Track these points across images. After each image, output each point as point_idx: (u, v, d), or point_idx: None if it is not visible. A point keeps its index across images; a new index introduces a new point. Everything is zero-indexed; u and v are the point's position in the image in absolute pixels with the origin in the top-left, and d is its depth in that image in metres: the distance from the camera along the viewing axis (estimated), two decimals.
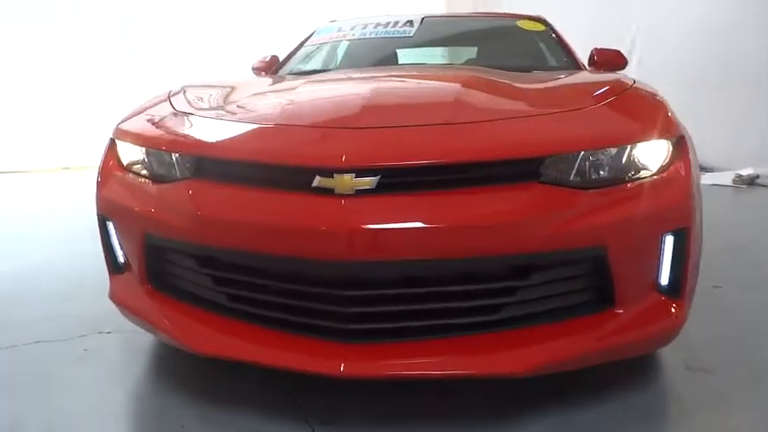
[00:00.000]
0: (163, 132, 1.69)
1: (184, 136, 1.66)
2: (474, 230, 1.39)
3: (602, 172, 1.51)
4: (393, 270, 1.43)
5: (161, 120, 1.76)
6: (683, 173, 1.57)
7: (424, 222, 1.39)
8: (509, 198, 1.43)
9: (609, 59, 2.97)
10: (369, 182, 1.40)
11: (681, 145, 1.60)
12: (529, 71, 2.44)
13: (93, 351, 2.05)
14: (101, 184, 1.80)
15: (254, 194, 1.50)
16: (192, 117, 1.75)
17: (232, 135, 1.60)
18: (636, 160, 1.53)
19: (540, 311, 1.53)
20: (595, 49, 2.98)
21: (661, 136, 1.57)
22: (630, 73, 2.37)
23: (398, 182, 1.43)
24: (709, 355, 2.00)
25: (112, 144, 1.84)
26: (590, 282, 1.53)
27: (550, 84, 2.07)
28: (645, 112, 1.68)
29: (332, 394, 1.72)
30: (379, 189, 1.41)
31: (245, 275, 1.57)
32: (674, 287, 1.60)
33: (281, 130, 1.57)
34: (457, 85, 1.82)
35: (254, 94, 1.95)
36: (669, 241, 1.56)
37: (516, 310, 1.51)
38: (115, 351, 2.07)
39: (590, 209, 1.46)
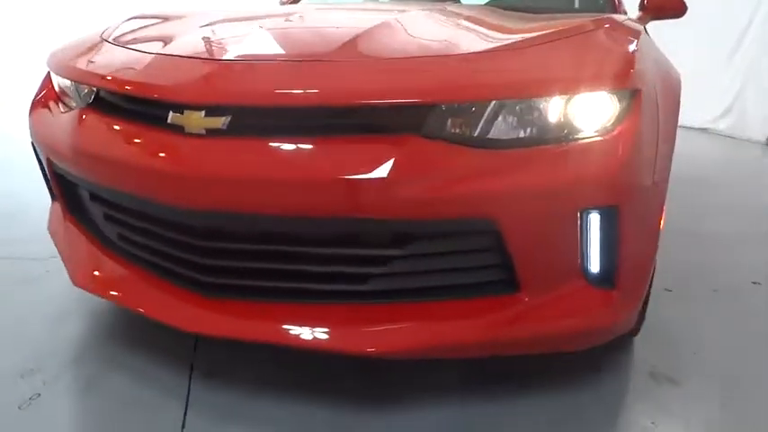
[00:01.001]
0: (70, 59, 1.62)
1: (84, 63, 1.57)
2: (327, 186, 1.19)
3: (514, 128, 1.23)
4: (245, 224, 1.28)
5: (82, 48, 1.69)
6: (622, 138, 1.24)
7: (272, 173, 1.21)
8: (374, 152, 1.20)
9: (662, 4, 2.50)
10: (218, 121, 1.24)
11: (631, 103, 1.27)
12: (547, 13, 2.09)
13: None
14: (30, 112, 1.78)
15: (122, 129, 1.39)
16: (105, 46, 1.66)
17: (117, 65, 1.49)
18: (562, 117, 1.23)
19: (423, 287, 1.31)
20: None
21: (602, 88, 1.25)
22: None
23: (252, 124, 1.25)
24: (688, 364, 1.66)
25: (48, 72, 1.81)
26: (483, 260, 1.28)
27: (517, 25, 1.73)
28: (593, 58, 1.35)
29: (236, 349, 1.63)
30: (233, 131, 1.25)
31: (122, 214, 1.49)
32: (606, 276, 1.31)
33: (159, 59, 1.43)
34: (384, 20, 1.57)
35: (192, 26, 1.81)
36: (594, 221, 1.26)
37: (391, 282, 1.30)
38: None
39: (477, 173, 1.20)
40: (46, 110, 1.68)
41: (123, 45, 1.58)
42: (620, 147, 1.23)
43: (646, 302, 1.58)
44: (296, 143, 1.22)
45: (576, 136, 1.23)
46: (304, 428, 1.37)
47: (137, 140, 1.34)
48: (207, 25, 1.69)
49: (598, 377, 1.58)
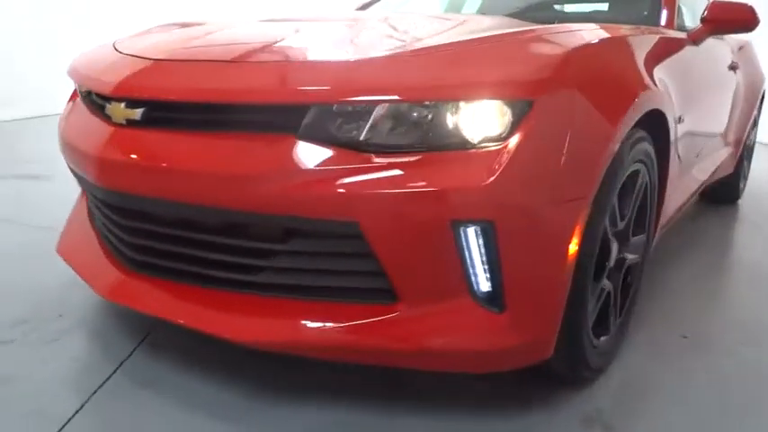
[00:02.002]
0: (78, 61, 1.83)
1: (82, 64, 1.77)
2: (211, 178, 1.27)
3: (392, 133, 1.21)
4: (153, 207, 1.39)
5: (93, 53, 1.90)
6: (504, 152, 1.17)
7: (171, 162, 1.31)
8: (251, 149, 1.25)
9: (726, 17, 2.24)
10: (135, 113, 1.38)
11: (525, 115, 1.19)
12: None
13: None
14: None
15: (88, 120, 1.58)
16: (106, 50, 1.84)
17: (101, 65, 1.67)
18: (444, 125, 1.19)
19: (311, 287, 1.32)
20: (713, 3, 2.27)
21: (490, 97, 1.19)
22: None
23: (163, 116, 1.37)
24: (629, 414, 1.50)
25: None
26: (357, 265, 1.27)
27: (448, 32, 1.66)
28: (494, 65, 1.27)
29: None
30: (149, 123, 1.38)
31: (91, 195, 1.68)
32: (493, 297, 1.24)
33: (115, 58, 1.59)
34: (324, 28, 1.60)
35: (174, 32, 1.92)
36: (471, 236, 1.20)
37: (279, 277, 1.33)
38: None
39: (344, 175, 1.20)
40: (70, 103, 1.93)
41: (116, 49, 1.79)
42: (501, 160, 1.17)
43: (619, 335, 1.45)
44: (191, 137, 1.32)
45: (455, 144, 1.19)
46: (211, 404, 1.45)
47: (90, 129, 1.52)
48: (180, 30, 1.83)
49: (528, 413, 1.48)
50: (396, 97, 1.20)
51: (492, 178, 1.15)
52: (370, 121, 1.21)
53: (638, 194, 1.64)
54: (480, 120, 1.19)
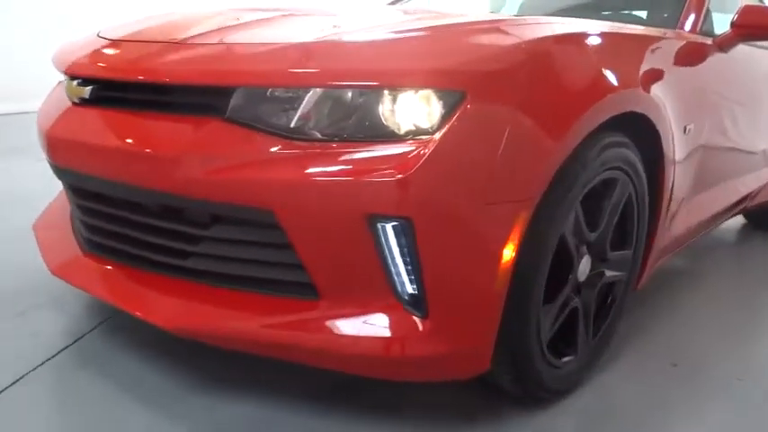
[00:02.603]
0: (61, 47, 1.83)
1: (61, 50, 1.77)
2: (137, 157, 1.25)
3: (318, 120, 1.15)
4: (97, 186, 1.40)
5: (77, 39, 1.90)
6: (428, 145, 1.10)
7: (104, 141, 1.32)
8: (180, 129, 1.23)
9: (759, 22, 2.05)
10: (84, 91, 1.39)
11: (459, 107, 1.11)
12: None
13: None
14: None
15: (56, 100, 1.61)
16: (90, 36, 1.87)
17: (81, 49, 1.69)
18: (377, 114, 1.13)
19: (233, 275, 1.29)
20: (744, 6, 2.08)
21: (425, 86, 1.12)
22: None
23: (109, 96, 1.37)
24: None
25: None
26: (278, 257, 1.22)
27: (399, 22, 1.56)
28: (430, 53, 1.20)
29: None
30: (98, 101, 1.38)
31: None
32: (416, 301, 1.17)
33: (89, 41, 1.61)
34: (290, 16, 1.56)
35: (165, 17, 1.89)
36: (390, 233, 1.13)
37: (207, 263, 1.30)
38: None
39: (262, 161, 1.16)
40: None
41: (97, 35, 1.81)
42: (423, 153, 1.09)
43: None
44: (130, 116, 1.32)
45: (382, 135, 1.12)
46: (148, 389, 1.44)
47: (53, 109, 1.54)
48: (160, 17, 1.82)
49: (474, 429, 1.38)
50: (323, 83, 1.15)
51: (410, 172, 1.08)
52: (300, 108, 1.16)
53: (616, 205, 1.51)
54: (409, 110, 1.12)
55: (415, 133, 1.11)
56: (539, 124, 1.19)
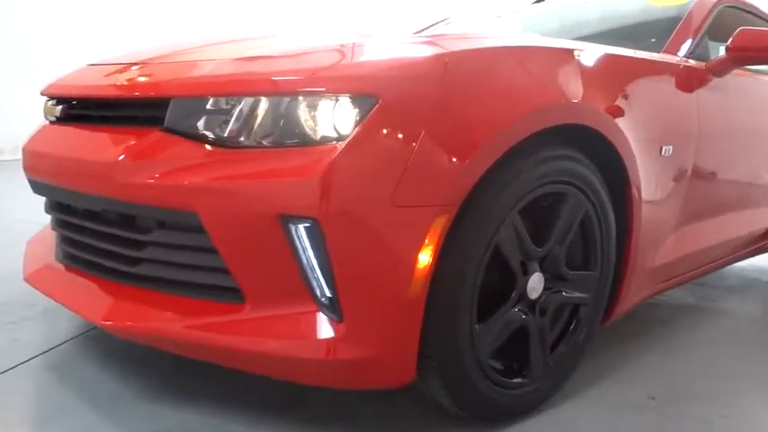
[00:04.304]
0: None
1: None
2: (90, 167, 1.35)
3: (243, 126, 1.21)
4: (61, 196, 1.50)
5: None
6: (341, 146, 1.13)
7: (60, 153, 1.44)
8: (123, 140, 1.32)
9: (755, 46, 1.99)
10: (56, 110, 1.51)
11: (371, 112, 1.14)
12: None
13: None
14: None
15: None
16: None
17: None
18: (296, 120, 1.18)
19: (170, 279, 1.33)
20: (740, 30, 2.03)
21: (339, 92, 1.16)
22: None
23: (75, 113, 1.48)
24: None
25: None
26: (205, 259, 1.26)
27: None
28: (346, 62, 1.25)
29: None
30: (67, 119, 1.50)
31: None
32: (332, 305, 1.18)
33: (79, 68, 1.76)
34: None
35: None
36: (303, 234, 1.16)
37: (140, 268, 1.35)
38: None
39: (188, 166, 1.22)
40: None
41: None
42: (332, 157, 1.13)
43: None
44: (89, 131, 1.43)
45: (301, 140, 1.17)
46: (100, 395, 1.49)
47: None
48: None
49: None
50: (246, 92, 1.21)
51: (317, 175, 1.11)
52: (226, 117, 1.23)
53: (569, 222, 1.47)
54: (325, 116, 1.16)
55: (330, 138, 1.15)
56: (454, 132, 1.20)
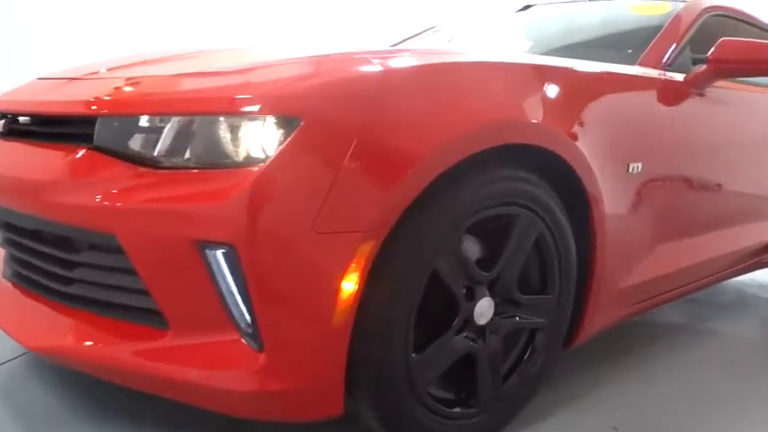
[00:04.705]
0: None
1: None
2: (21, 185, 1.32)
3: (167, 146, 1.16)
4: (3, 214, 1.47)
5: None
6: (260, 169, 1.09)
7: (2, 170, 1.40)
8: (53, 157, 1.29)
9: (736, 58, 1.91)
10: (1, 125, 1.49)
11: (293, 135, 1.10)
12: None
13: None
14: None
15: None
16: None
17: None
18: (217, 141, 1.13)
19: (99, 300, 1.30)
20: (722, 41, 1.94)
21: (261, 113, 1.11)
22: None
23: (19, 129, 1.46)
24: None
25: None
26: (130, 281, 1.21)
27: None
28: (270, 81, 1.20)
29: None
30: (10, 134, 1.48)
31: None
32: (253, 333, 1.14)
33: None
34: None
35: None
36: (221, 261, 1.12)
37: (68, 287, 1.31)
38: None
39: (110, 187, 1.18)
40: None
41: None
42: (249, 180, 1.08)
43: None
44: (24, 146, 1.40)
45: (224, 162, 1.13)
46: (35, 414, 1.47)
47: None
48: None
49: None
50: (169, 111, 1.17)
51: (232, 199, 1.07)
52: (149, 137, 1.19)
53: (520, 245, 1.41)
54: (246, 137, 1.12)
55: (251, 161, 1.11)
56: (383, 154, 1.14)
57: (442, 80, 1.25)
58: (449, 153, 1.20)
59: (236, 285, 1.11)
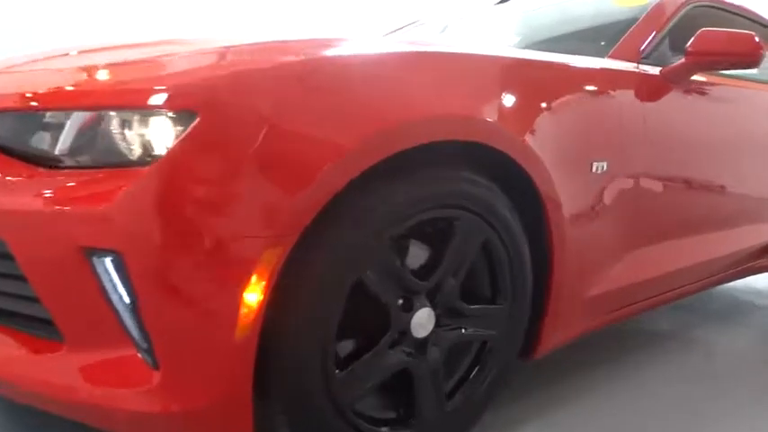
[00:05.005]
0: None
1: None
2: None
3: (54, 143, 1.07)
4: None
5: None
6: (149, 170, 0.98)
7: None
8: None
9: (716, 49, 1.78)
10: None
11: (188, 133, 0.99)
12: None
13: None
14: None
15: None
16: None
17: None
18: (110, 138, 1.02)
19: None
20: (701, 32, 1.81)
21: (154, 109, 1.00)
22: None
23: None
24: None
25: None
26: (24, 289, 1.11)
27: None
28: (165, 74, 1.09)
29: None
30: None
31: None
32: (148, 349, 1.03)
33: None
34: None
35: None
36: (109, 268, 1.01)
37: None
38: None
39: (2, 189, 1.09)
40: None
41: None
42: (137, 182, 0.98)
43: None
44: None
45: (116, 161, 1.02)
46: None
47: None
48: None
49: None
50: (56, 105, 1.08)
51: (115, 202, 0.97)
52: (48, 133, 1.09)
53: (461, 252, 1.29)
54: (139, 134, 1.01)
55: (143, 160, 1.00)
56: (290, 154, 1.03)
57: (363, 72, 1.14)
58: (367, 153, 1.09)
59: (127, 296, 1.01)
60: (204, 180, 0.99)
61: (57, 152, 1.06)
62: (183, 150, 0.98)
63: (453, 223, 1.27)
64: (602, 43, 1.85)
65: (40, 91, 1.13)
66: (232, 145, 1.00)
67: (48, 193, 1.03)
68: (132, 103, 1.01)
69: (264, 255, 1.01)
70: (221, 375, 1.03)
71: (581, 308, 1.60)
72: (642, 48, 1.81)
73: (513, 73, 1.39)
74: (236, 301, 1.00)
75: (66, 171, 1.05)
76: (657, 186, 1.72)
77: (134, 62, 1.19)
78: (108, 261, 1.00)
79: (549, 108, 1.42)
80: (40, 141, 1.09)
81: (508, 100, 1.33)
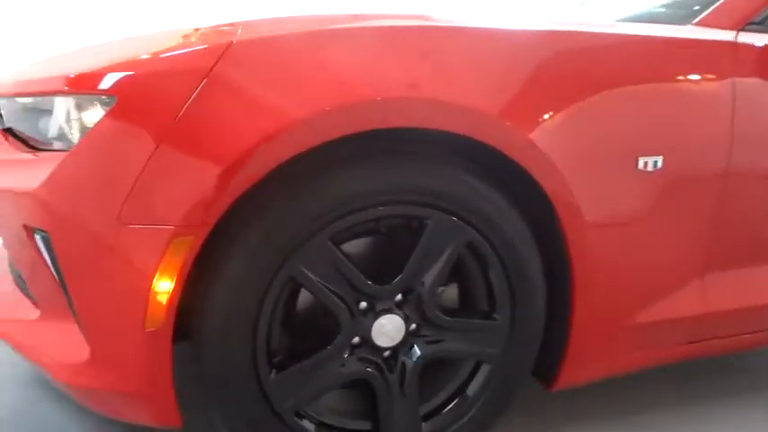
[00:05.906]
0: None
1: None
2: None
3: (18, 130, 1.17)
4: None
5: None
6: (69, 152, 1.02)
7: None
8: None
9: None
10: None
11: (106, 114, 0.99)
12: None
13: None
14: None
15: None
16: None
17: None
18: (44, 122, 1.09)
19: None
20: None
21: (73, 90, 1.02)
22: None
23: None
24: None
25: None
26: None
27: None
28: (88, 58, 1.09)
29: None
30: None
31: None
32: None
33: None
34: None
35: None
36: (42, 245, 1.07)
37: None
38: None
39: None
40: None
41: None
42: (59, 163, 1.02)
43: None
44: None
45: (48, 143, 1.08)
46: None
47: None
48: None
49: None
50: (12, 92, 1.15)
51: (40, 183, 1.01)
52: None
53: (433, 254, 1.13)
54: (63, 118, 1.05)
55: (68, 143, 1.04)
56: (206, 139, 0.97)
57: (301, 49, 1.03)
58: (292, 139, 0.99)
59: (56, 272, 1.05)
60: (115, 164, 0.98)
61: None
62: (99, 134, 0.98)
63: (424, 223, 1.11)
64: (696, 7, 1.49)
65: None
66: (145, 129, 0.97)
67: (4, 173, 1.11)
68: (57, 88, 1.04)
69: (174, 244, 0.97)
70: (139, 361, 1.03)
71: (624, 336, 1.32)
72: (747, 11, 1.42)
73: (512, 46, 1.16)
74: (145, 288, 0.98)
75: (15, 154, 1.12)
76: (745, 192, 1.34)
77: (68, 53, 1.22)
78: (40, 238, 1.05)
79: (565, 91, 1.17)
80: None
81: (501, 80, 1.13)
